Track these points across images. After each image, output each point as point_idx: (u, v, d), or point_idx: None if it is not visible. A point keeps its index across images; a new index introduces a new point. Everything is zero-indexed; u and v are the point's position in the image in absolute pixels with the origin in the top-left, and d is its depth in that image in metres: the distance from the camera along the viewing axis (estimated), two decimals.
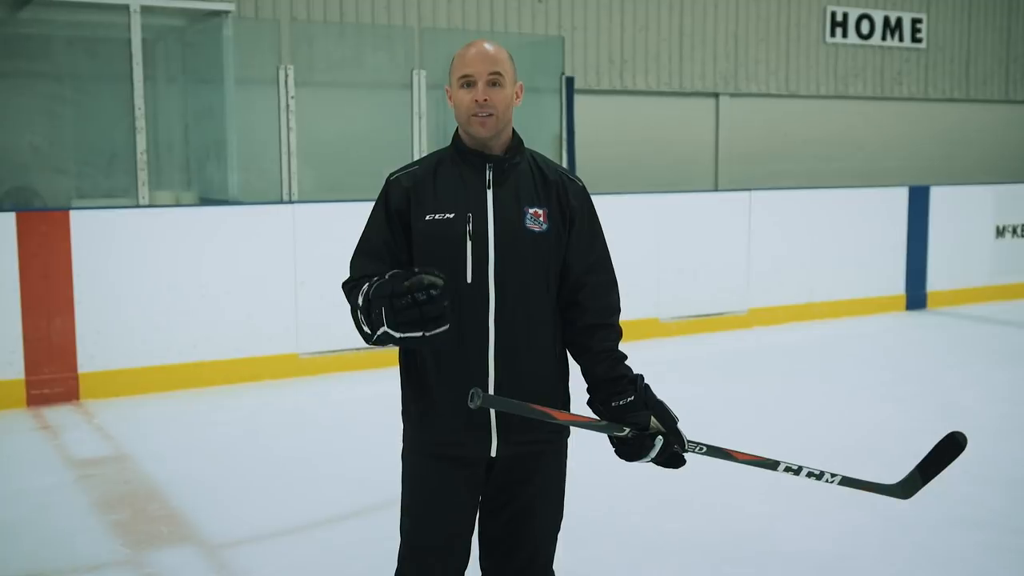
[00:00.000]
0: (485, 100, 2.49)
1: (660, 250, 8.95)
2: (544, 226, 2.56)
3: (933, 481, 5.13)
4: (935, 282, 10.53)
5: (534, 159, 2.64)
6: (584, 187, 2.68)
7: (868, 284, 10.17)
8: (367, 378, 7.28)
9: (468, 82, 2.51)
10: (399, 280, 2.28)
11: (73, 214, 6.78)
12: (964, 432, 2.66)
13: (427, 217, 2.51)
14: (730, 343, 8.83)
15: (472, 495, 2.60)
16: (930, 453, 2.75)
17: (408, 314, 2.26)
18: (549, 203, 2.59)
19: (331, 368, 7.46)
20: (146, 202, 7.61)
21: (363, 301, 2.37)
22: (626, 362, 2.64)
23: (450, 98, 2.59)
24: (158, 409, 6.61)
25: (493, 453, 2.53)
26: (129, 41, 7.59)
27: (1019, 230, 11.16)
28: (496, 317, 2.50)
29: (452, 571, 2.62)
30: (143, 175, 7.60)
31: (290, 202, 7.87)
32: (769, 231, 9.51)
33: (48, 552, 4.25)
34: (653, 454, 2.53)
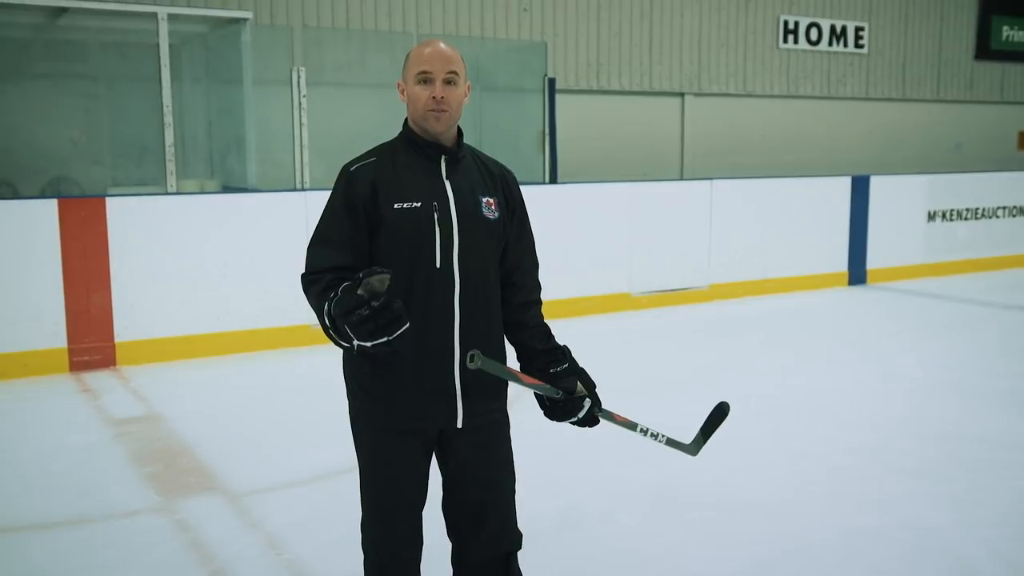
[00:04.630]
0: (442, 97, 2.40)
1: (632, 232, 8.95)
2: (496, 214, 2.50)
3: (872, 436, 5.18)
4: (874, 260, 10.57)
5: (473, 153, 2.58)
6: (516, 177, 2.65)
7: (815, 262, 10.20)
8: None
9: (426, 79, 2.40)
10: (351, 293, 2.13)
11: (109, 201, 6.74)
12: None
13: (395, 206, 2.38)
14: (693, 315, 8.84)
15: (428, 458, 2.54)
16: (707, 419, 2.86)
17: (367, 326, 2.12)
18: (497, 193, 2.53)
19: None
20: (174, 190, 7.57)
21: (329, 321, 2.23)
22: (553, 335, 2.64)
23: (402, 93, 2.47)
24: (186, 374, 6.59)
25: (459, 424, 2.46)
26: (157, 46, 7.53)
27: (948, 215, 11.20)
28: (460, 299, 2.42)
29: (414, 530, 2.55)
30: (171, 166, 7.56)
31: (302, 190, 7.83)
32: (728, 216, 9.52)
33: (89, 500, 4.26)
34: (582, 414, 2.56)
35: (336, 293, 2.22)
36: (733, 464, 4.63)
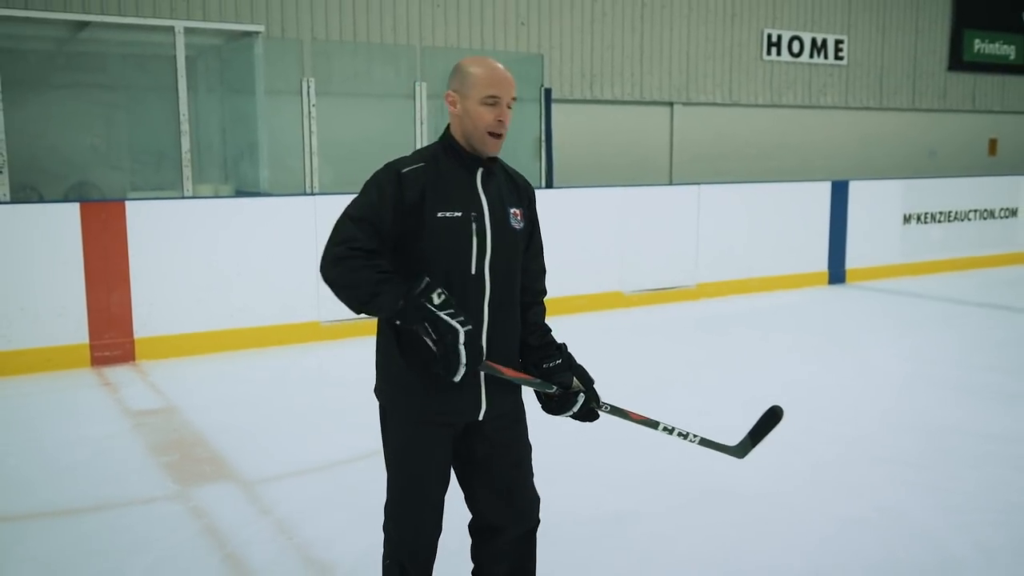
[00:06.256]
0: (505, 122, 2.41)
1: (623, 234, 8.94)
2: (521, 224, 2.51)
3: (852, 428, 5.18)
4: (853, 261, 10.57)
5: (501, 164, 2.59)
6: (533, 189, 2.66)
7: (797, 262, 10.20)
8: None
9: (494, 102, 2.38)
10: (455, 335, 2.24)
11: (128, 204, 6.73)
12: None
13: (439, 214, 2.36)
14: (682, 312, 8.84)
15: (451, 450, 2.55)
16: (758, 422, 2.77)
17: (452, 359, 2.25)
18: (522, 204, 2.54)
19: (347, 334, 7.45)
20: (190, 194, 7.56)
21: (393, 290, 2.25)
22: (551, 334, 2.63)
23: (453, 104, 2.42)
24: (201, 368, 6.59)
25: (480, 417, 2.48)
26: (174, 57, 7.53)
27: (923, 217, 11.20)
28: (490, 303, 2.44)
29: (437, 515, 2.56)
30: (187, 171, 7.56)
31: (312, 194, 7.82)
32: (715, 218, 9.51)
33: (109, 488, 4.26)
34: (575, 409, 2.53)
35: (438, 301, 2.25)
36: (718, 454, 4.61)
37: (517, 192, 2.55)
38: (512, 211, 2.49)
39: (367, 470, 4.49)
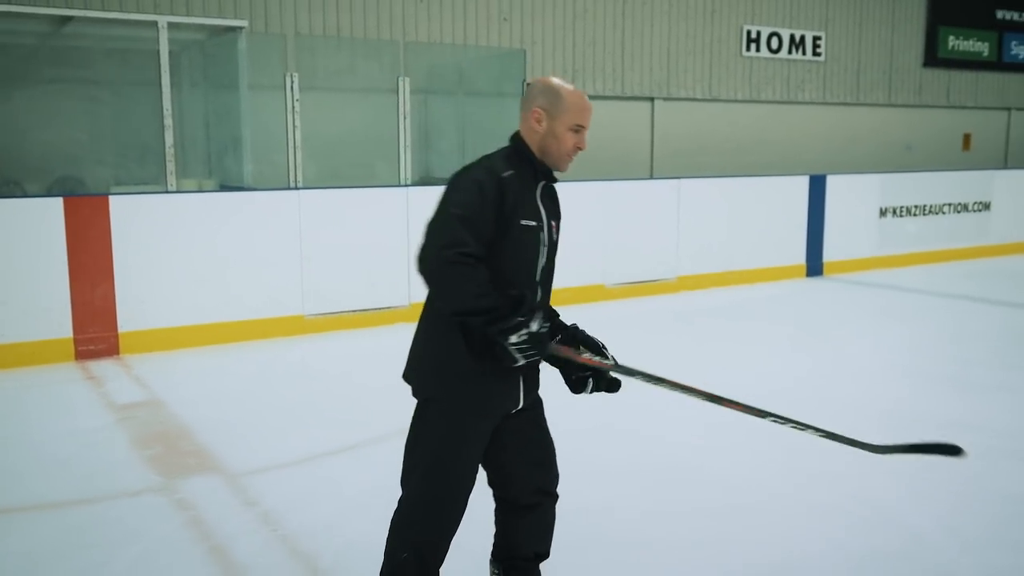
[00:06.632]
0: (583, 148, 2.57)
1: (605, 228, 8.96)
2: (557, 235, 2.67)
3: (826, 417, 5.19)
4: (830, 253, 10.63)
5: None
6: None
7: (775, 255, 10.25)
8: (362, 335, 7.26)
9: (579, 129, 2.55)
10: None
11: (112, 199, 6.69)
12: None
13: (522, 222, 2.48)
14: (663, 304, 8.88)
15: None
16: (931, 444, 2.72)
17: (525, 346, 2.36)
18: (558, 217, 2.69)
19: (332, 327, 7.44)
20: (174, 188, 7.52)
21: (488, 304, 2.34)
22: (559, 318, 2.78)
23: (539, 122, 2.55)
24: (186, 362, 6.56)
25: (518, 408, 2.62)
26: (158, 52, 7.48)
27: (898, 211, 11.28)
28: (537, 306, 2.56)
29: (465, 505, 2.61)
30: (171, 166, 7.51)
31: (296, 188, 7.80)
32: (695, 212, 9.55)
33: (95, 481, 4.24)
34: (589, 389, 2.70)
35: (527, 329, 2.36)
36: (696, 443, 4.66)
37: (554, 205, 2.67)
38: (552, 223, 2.63)
39: (351, 463, 4.50)
